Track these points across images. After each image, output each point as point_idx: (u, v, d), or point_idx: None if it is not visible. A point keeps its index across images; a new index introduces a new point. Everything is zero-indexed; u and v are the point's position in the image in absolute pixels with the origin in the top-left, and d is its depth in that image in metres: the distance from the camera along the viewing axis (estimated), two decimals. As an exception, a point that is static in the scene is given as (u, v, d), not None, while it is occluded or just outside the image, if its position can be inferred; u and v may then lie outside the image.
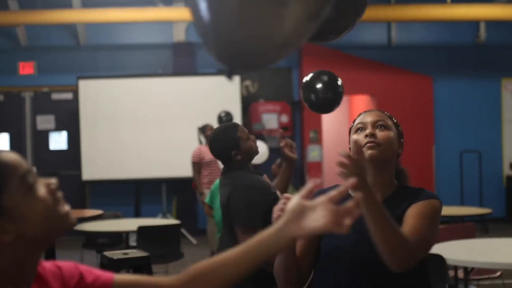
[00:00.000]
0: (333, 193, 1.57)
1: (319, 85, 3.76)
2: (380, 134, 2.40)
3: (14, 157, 1.49)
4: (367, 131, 2.40)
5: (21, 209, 1.44)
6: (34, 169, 1.51)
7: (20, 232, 1.44)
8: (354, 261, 2.31)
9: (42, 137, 11.77)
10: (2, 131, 11.68)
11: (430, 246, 2.28)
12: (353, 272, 2.30)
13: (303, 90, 3.82)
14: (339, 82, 3.76)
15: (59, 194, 1.50)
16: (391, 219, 2.06)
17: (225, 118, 9.06)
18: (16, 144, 11.60)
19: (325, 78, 3.79)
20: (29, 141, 11.73)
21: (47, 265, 1.59)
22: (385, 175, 2.41)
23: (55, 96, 11.88)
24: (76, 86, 11.18)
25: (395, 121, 2.51)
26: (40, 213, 1.45)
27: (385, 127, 2.42)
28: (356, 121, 2.48)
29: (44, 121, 11.79)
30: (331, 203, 1.55)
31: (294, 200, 1.60)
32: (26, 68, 11.75)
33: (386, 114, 2.51)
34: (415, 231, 2.19)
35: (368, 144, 2.37)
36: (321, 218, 1.55)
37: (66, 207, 1.50)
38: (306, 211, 1.56)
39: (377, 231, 2.04)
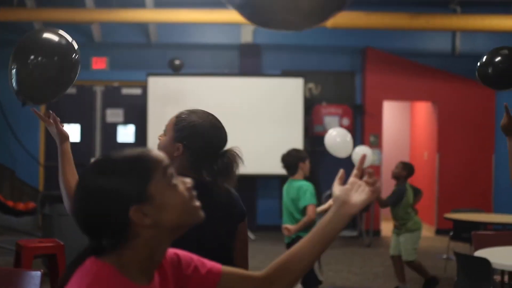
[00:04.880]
0: (355, 171, 1.88)
1: (498, 58, 3.72)
2: None
3: (158, 152, 1.72)
4: None
5: (163, 199, 1.65)
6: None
7: (158, 219, 1.63)
8: None
9: (110, 130, 12.24)
10: (74, 122, 12.21)
11: None
12: None
13: (479, 68, 3.78)
14: None
15: (194, 192, 1.71)
16: None
17: None
18: (86, 135, 12.12)
19: (505, 51, 3.75)
20: (98, 133, 12.22)
21: (168, 252, 1.79)
22: None
23: (125, 91, 12.35)
24: (146, 82, 11.59)
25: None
26: (178, 205, 1.66)
27: None
28: None
29: (113, 115, 12.26)
30: (359, 179, 1.87)
31: (336, 188, 1.87)
32: (99, 63, 12.23)
33: None
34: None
35: None
36: (361, 192, 1.84)
37: (198, 203, 1.71)
38: (349, 192, 1.84)
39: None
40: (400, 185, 7.48)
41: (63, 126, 3.03)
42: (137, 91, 12.28)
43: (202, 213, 1.71)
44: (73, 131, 12.19)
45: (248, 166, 11.20)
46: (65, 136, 3.00)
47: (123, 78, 12.27)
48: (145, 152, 1.69)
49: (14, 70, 2.95)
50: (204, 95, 11.45)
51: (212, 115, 2.84)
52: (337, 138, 7.00)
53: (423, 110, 13.26)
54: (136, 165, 1.66)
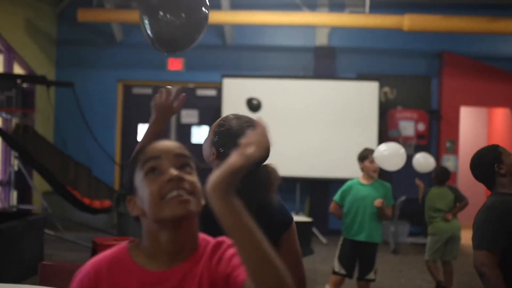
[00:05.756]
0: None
1: None
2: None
3: (153, 145, 1.76)
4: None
5: (140, 191, 1.72)
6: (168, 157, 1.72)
7: (144, 210, 1.72)
8: None
9: (185, 131, 12.38)
10: (148, 122, 12.37)
11: None
12: None
13: None
14: None
15: (174, 185, 1.67)
16: None
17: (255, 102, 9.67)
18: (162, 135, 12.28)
19: None
20: (173, 134, 12.37)
21: (212, 240, 1.79)
22: None
23: (200, 92, 12.46)
24: (220, 83, 11.67)
25: None
26: (146, 198, 1.69)
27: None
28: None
29: (188, 115, 12.40)
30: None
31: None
32: (175, 64, 12.38)
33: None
34: None
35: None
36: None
37: (175, 197, 1.66)
38: None
39: None
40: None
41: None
42: (212, 92, 12.38)
43: (181, 208, 1.66)
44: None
45: (321, 170, 11.34)
46: (169, 116, 2.98)
47: (198, 79, 12.38)
48: (146, 145, 1.77)
49: (147, 20, 2.98)
50: (278, 97, 11.46)
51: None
52: (385, 152, 7.04)
53: (501, 116, 12.95)
54: (133, 157, 1.79)
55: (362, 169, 6.23)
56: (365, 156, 6.20)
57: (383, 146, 6.66)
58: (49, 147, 10.52)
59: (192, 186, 1.70)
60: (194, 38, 3.06)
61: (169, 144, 1.77)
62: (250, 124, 2.72)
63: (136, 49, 12.35)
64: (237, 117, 2.76)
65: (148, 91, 12.51)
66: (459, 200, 7.38)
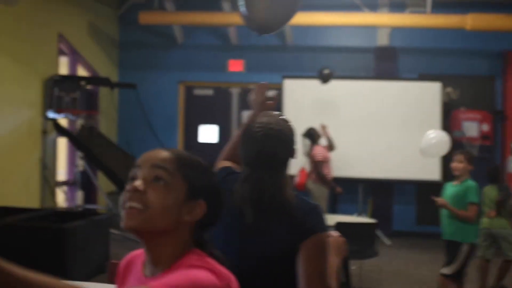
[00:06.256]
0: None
1: None
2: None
3: (145, 154, 1.73)
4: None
5: None
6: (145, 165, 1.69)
7: None
8: None
9: (246, 132, 12.43)
10: (212, 123, 12.51)
11: None
12: None
13: None
14: None
15: (128, 196, 1.64)
16: None
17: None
18: (223, 136, 12.38)
19: None
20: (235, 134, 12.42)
21: (192, 262, 1.65)
22: None
23: (260, 93, 12.49)
24: (281, 84, 11.68)
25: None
26: None
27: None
28: None
29: (249, 117, 12.45)
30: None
31: None
32: (235, 66, 12.44)
33: None
34: None
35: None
36: None
37: (123, 210, 1.65)
38: None
39: None
40: None
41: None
42: (272, 93, 12.39)
43: (125, 220, 1.63)
44: (212, 132, 12.49)
45: (384, 171, 11.21)
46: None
47: (259, 80, 12.34)
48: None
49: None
50: (339, 98, 11.42)
51: (274, 124, 2.66)
52: (433, 140, 7.22)
53: None
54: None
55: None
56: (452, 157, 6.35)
57: (432, 133, 6.74)
58: (113, 148, 10.68)
59: (147, 201, 1.63)
60: (286, 19, 3.10)
61: (154, 153, 1.72)
62: (264, 124, 2.66)
63: (197, 50, 12.45)
64: (267, 115, 2.72)
65: (209, 92, 12.61)
66: (501, 196, 7.46)
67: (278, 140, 2.57)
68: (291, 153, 2.60)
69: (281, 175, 2.54)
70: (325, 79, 10.13)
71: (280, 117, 2.66)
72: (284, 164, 2.58)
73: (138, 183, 1.65)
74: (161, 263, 1.67)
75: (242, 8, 3.01)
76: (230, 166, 2.82)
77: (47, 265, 6.75)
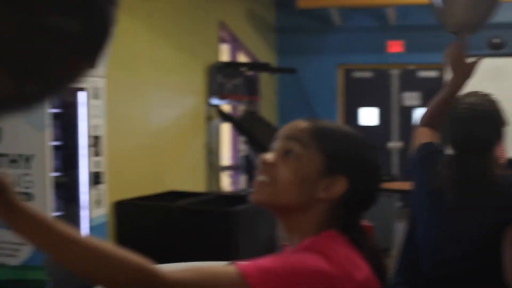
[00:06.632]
0: None
1: None
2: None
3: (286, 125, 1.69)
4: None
5: None
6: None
7: None
8: None
9: (407, 113, 12.18)
10: (372, 105, 12.37)
11: None
12: None
13: None
14: None
15: (260, 169, 1.63)
16: None
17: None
18: (383, 119, 12.21)
19: None
20: (395, 116, 12.22)
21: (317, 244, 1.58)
22: None
23: (421, 74, 12.20)
24: (442, 64, 11.32)
25: None
26: None
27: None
28: None
29: (410, 98, 12.19)
30: None
31: None
32: (394, 47, 12.21)
33: None
34: None
35: None
36: None
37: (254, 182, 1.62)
38: None
39: None
40: None
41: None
42: (433, 74, 12.08)
43: (253, 194, 1.63)
44: (372, 115, 12.36)
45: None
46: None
47: (419, 61, 12.11)
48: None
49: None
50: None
51: (480, 104, 2.49)
52: None
53: None
54: None
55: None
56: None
57: None
58: (275, 132, 10.78)
59: (276, 174, 1.56)
60: (485, 19, 2.90)
61: (291, 125, 1.66)
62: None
63: (355, 32, 12.33)
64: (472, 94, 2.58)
65: (368, 74, 12.46)
66: None
67: (485, 122, 2.44)
68: (498, 134, 2.46)
69: (488, 157, 2.42)
70: (496, 47, 9.67)
71: (487, 96, 2.54)
72: (491, 146, 2.46)
73: (268, 156, 1.59)
74: (293, 240, 1.59)
75: (437, 0, 2.82)
76: (432, 142, 2.72)
77: (216, 246, 6.96)
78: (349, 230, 1.53)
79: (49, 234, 1.26)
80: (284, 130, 1.62)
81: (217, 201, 8.32)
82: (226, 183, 10.81)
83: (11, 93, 1.06)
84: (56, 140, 5.42)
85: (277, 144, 1.62)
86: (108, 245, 1.33)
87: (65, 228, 1.29)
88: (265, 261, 1.40)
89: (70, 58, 1.08)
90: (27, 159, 5.14)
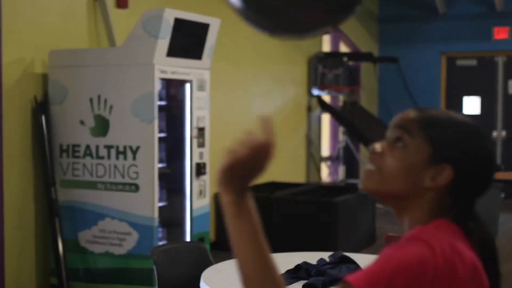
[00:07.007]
0: None
1: None
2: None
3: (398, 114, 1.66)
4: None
5: None
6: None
7: None
8: None
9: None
10: (474, 94, 12.10)
11: None
12: None
13: None
14: None
15: (370, 158, 1.62)
16: None
17: None
18: (486, 108, 11.92)
19: None
20: (500, 105, 11.91)
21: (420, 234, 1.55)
22: None
23: (529, 61, 11.86)
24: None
25: None
26: None
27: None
28: None
29: (516, 86, 11.90)
30: None
31: None
32: (501, 33, 11.88)
33: None
34: None
35: None
36: None
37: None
38: None
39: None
40: None
41: None
42: None
43: (363, 182, 1.63)
44: (473, 103, 12.09)
45: None
46: None
47: (526, 47, 11.77)
48: None
49: None
50: None
51: None
52: None
53: None
54: None
55: None
56: None
57: None
58: (375, 122, 10.73)
59: (383, 163, 1.57)
60: None
61: (401, 114, 1.63)
62: None
63: (459, 20, 12.07)
64: None
65: (473, 62, 12.18)
66: None
67: None
68: None
69: None
70: None
71: None
72: None
73: (377, 145, 1.62)
74: (405, 227, 1.61)
75: None
76: None
77: (316, 237, 7.01)
78: (461, 220, 1.55)
79: (255, 240, 1.39)
80: (395, 119, 1.65)
81: (316, 191, 8.37)
82: (325, 173, 10.84)
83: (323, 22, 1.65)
84: (160, 131, 5.58)
85: (388, 133, 1.67)
86: (280, 277, 1.43)
87: (264, 240, 1.40)
88: (369, 266, 1.45)
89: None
90: (134, 150, 5.32)
